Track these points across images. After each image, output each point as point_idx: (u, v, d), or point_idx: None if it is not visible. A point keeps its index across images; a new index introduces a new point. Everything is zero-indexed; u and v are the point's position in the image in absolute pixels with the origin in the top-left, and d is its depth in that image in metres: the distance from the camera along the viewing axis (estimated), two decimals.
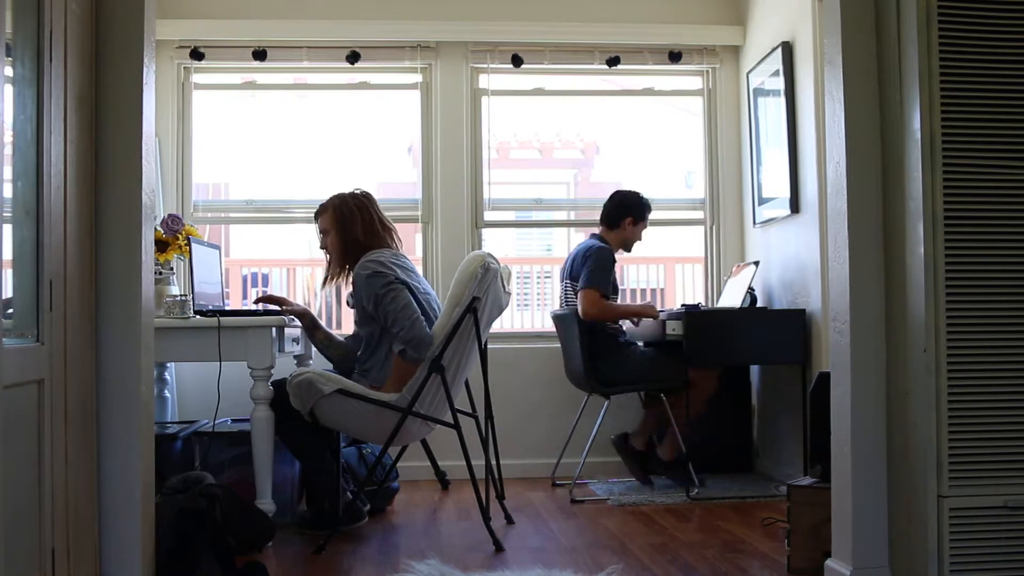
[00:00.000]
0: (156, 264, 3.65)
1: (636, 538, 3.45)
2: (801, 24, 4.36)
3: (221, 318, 3.46)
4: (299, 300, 7.14)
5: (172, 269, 4.01)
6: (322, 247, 3.79)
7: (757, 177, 4.91)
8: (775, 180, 4.65)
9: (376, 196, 3.81)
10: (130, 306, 2.57)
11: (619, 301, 4.59)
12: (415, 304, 3.47)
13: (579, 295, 4.32)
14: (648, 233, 4.65)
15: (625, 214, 4.52)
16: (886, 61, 2.61)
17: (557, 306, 4.68)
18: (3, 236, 2.02)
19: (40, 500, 2.21)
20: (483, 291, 3.47)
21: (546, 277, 7.46)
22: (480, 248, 5.01)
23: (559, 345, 4.62)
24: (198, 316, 3.53)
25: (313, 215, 3.82)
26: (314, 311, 4.11)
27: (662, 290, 8.29)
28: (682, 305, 4.61)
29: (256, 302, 3.86)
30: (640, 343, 4.73)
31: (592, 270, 4.32)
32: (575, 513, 3.94)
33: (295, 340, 3.99)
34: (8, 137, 2.14)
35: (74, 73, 2.42)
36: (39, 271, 2.24)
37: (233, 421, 4.08)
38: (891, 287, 2.60)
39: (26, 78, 2.23)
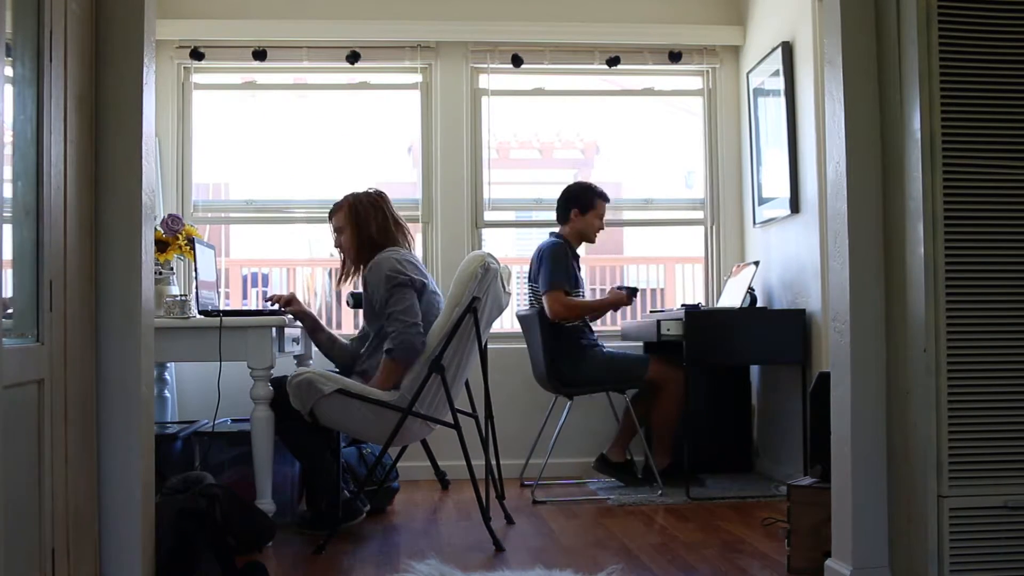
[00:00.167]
0: (156, 264, 3.66)
1: (636, 538, 3.45)
2: (801, 24, 4.35)
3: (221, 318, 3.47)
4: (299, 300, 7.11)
5: (172, 269, 4.01)
6: (336, 245, 3.80)
7: (757, 177, 4.91)
8: (775, 180, 4.65)
9: None
10: (130, 306, 2.57)
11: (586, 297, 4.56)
12: (418, 310, 3.48)
13: (544, 299, 4.32)
14: (648, 233, 4.66)
15: (570, 207, 4.53)
16: (886, 61, 2.61)
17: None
18: (3, 236, 2.02)
19: (40, 500, 2.21)
20: (483, 291, 3.47)
21: None
22: (480, 248, 5.01)
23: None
24: (202, 316, 3.53)
25: (327, 213, 3.83)
26: (314, 311, 4.11)
27: (662, 290, 8.26)
28: (682, 305, 4.60)
29: (269, 300, 3.85)
30: (640, 343, 4.72)
31: (550, 270, 4.33)
32: (576, 513, 3.94)
33: (295, 340, 4.00)
34: (8, 137, 2.14)
35: (74, 73, 2.41)
36: (39, 271, 2.24)
37: (233, 421, 4.08)
38: (891, 287, 2.60)
39: (26, 78, 2.23)
